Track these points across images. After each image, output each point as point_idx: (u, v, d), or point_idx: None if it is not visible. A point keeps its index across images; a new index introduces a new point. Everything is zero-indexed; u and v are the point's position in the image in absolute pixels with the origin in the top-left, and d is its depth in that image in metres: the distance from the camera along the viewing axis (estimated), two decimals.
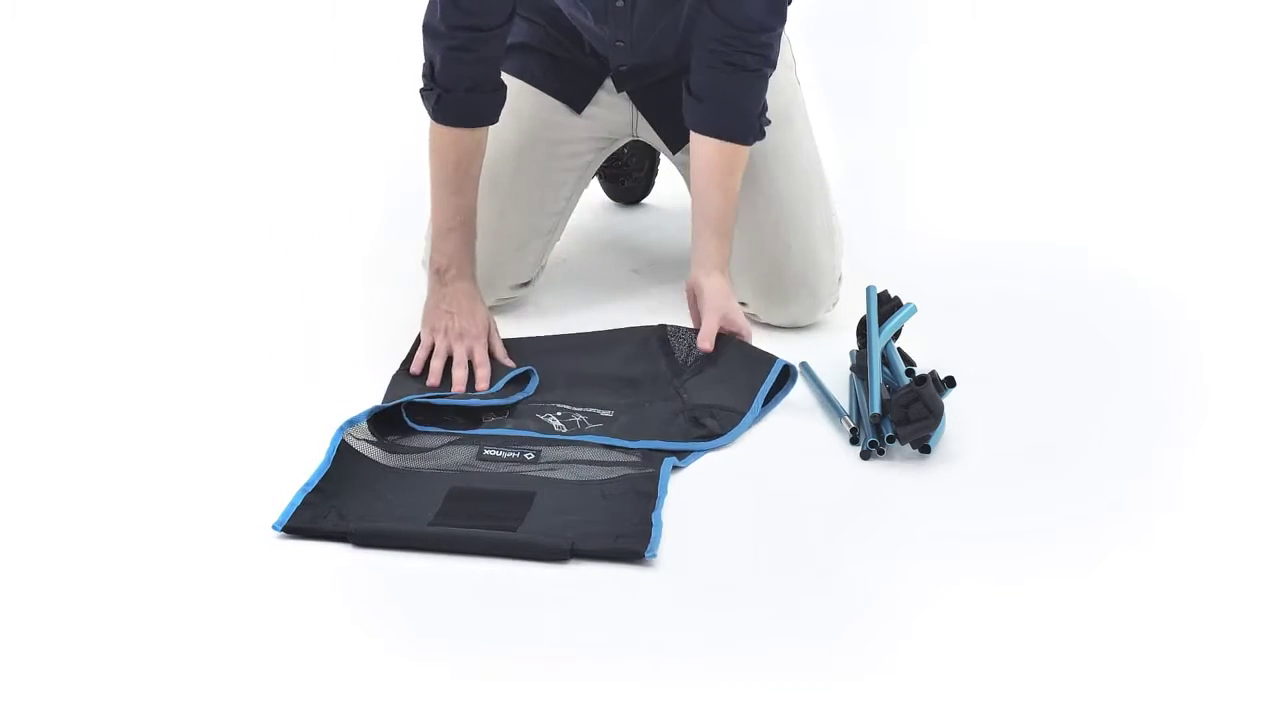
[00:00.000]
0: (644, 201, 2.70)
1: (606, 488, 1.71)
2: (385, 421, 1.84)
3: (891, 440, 1.79)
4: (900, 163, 2.96)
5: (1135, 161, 2.99)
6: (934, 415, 1.76)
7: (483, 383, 1.95)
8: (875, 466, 1.79)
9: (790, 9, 2.05)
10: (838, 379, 1.98)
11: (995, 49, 3.73)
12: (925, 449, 1.78)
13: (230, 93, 3.36)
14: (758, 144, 2.08)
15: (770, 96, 2.05)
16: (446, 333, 2.00)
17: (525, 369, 1.99)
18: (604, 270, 2.40)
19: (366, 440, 1.79)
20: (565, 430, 1.85)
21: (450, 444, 1.81)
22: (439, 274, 2.04)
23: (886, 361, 1.93)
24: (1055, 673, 1.42)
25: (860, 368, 1.94)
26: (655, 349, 2.04)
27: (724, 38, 1.95)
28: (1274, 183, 2.88)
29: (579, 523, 1.63)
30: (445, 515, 1.65)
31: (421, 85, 2.01)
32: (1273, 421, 1.94)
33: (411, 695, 1.38)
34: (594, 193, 2.64)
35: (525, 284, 2.24)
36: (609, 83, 2.20)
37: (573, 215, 2.31)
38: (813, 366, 2.01)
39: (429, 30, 1.98)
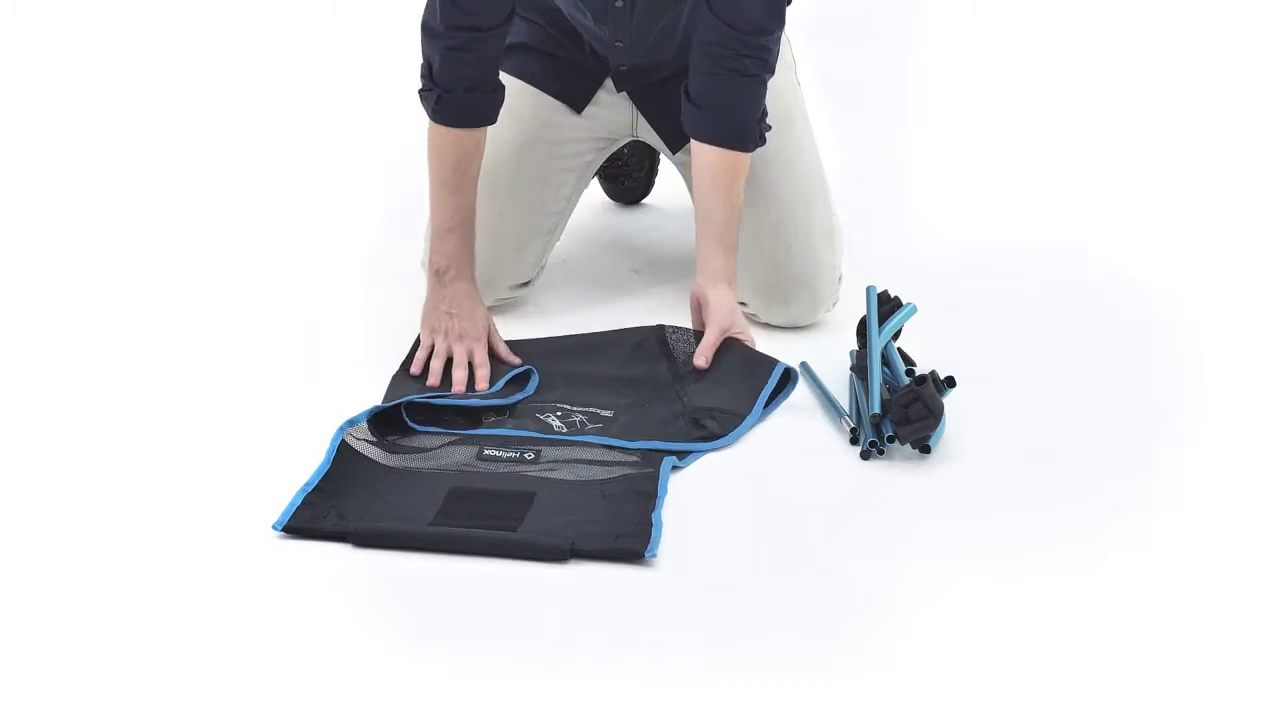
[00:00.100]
0: (644, 201, 2.70)
1: (606, 488, 1.71)
2: (385, 421, 1.84)
3: (891, 440, 1.79)
4: (900, 163, 2.96)
5: (1135, 161, 2.99)
6: (934, 415, 1.76)
7: (482, 383, 1.95)
8: (875, 466, 1.79)
9: (790, 10, 2.05)
10: (838, 379, 1.98)
11: (995, 49, 3.73)
12: (925, 449, 1.78)
13: (230, 93, 3.36)
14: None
15: (771, 98, 2.05)
16: (446, 334, 2.00)
17: (525, 369, 1.99)
18: (604, 270, 2.40)
19: (366, 440, 1.79)
20: (565, 430, 1.85)
21: (450, 444, 1.81)
22: (438, 275, 2.04)
23: (886, 361, 1.93)
24: (1055, 673, 1.42)
25: (860, 368, 1.94)
26: (655, 350, 2.04)
27: (722, 40, 1.95)
28: (1274, 183, 2.88)
29: (579, 523, 1.63)
30: (445, 515, 1.65)
31: (420, 86, 2.01)
32: (1273, 421, 1.94)
33: (411, 695, 1.38)
34: (594, 193, 2.64)
35: (525, 284, 2.24)
36: (609, 83, 2.20)
37: (573, 215, 2.31)
38: (813, 366, 2.01)
39: (428, 30, 1.98)
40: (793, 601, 1.53)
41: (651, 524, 1.62)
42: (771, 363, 1.95)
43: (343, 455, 1.75)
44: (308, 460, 1.73)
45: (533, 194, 2.21)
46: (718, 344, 1.98)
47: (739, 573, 1.58)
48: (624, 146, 2.41)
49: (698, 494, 1.72)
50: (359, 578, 1.57)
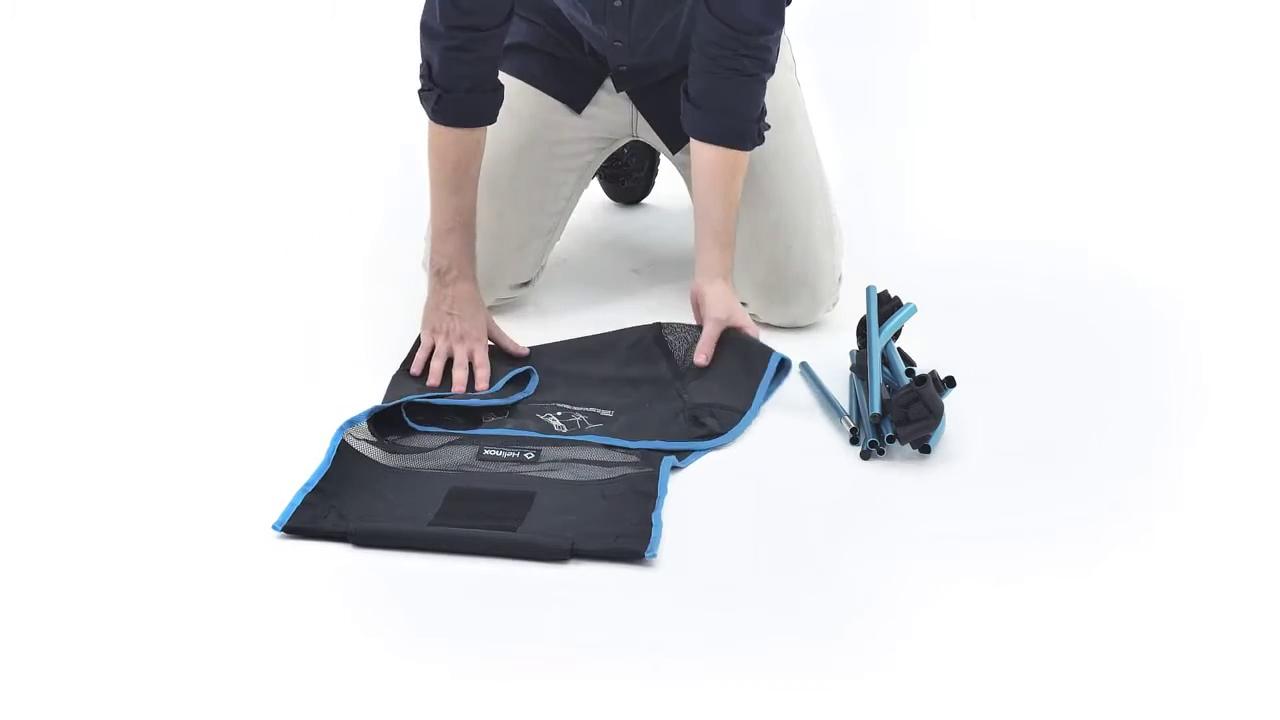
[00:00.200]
0: (644, 201, 2.70)
1: (606, 488, 1.71)
2: (385, 421, 1.84)
3: (891, 440, 1.79)
4: (900, 163, 2.96)
5: (1135, 161, 2.99)
6: (934, 415, 1.76)
7: (482, 384, 1.95)
8: (875, 466, 1.79)
9: (790, 10, 2.05)
10: (838, 379, 1.98)
11: (995, 49, 3.73)
12: (925, 449, 1.78)
13: (230, 93, 3.36)
14: (759, 146, 2.09)
15: (770, 97, 2.05)
16: (448, 334, 2.00)
17: (525, 369, 1.99)
18: (604, 270, 2.40)
19: (366, 440, 1.79)
20: (565, 430, 1.86)
21: (450, 444, 1.81)
22: (439, 275, 2.04)
23: (886, 361, 1.93)
24: (1055, 673, 1.42)
25: (860, 368, 1.94)
26: (653, 349, 2.04)
27: (720, 40, 1.95)
28: (1274, 183, 2.88)
29: (579, 523, 1.63)
30: (445, 515, 1.65)
31: (420, 86, 2.01)
32: (1273, 421, 1.94)
33: (411, 695, 1.38)
34: (594, 193, 2.64)
35: (525, 284, 2.24)
36: (609, 83, 2.20)
37: (573, 215, 2.31)
38: (813, 366, 2.01)
39: (427, 30, 1.98)
40: (793, 601, 1.53)
41: (651, 524, 1.62)
42: (767, 353, 1.95)
43: (343, 455, 1.75)
44: (308, 460, 1.73)
45: (533, 194, 2.21)
46: (716, 338, 1.98)
47: (739, 573, 1.58)
48: (624, 146, 2.41)
49: (698, 494, 1.72)
50: (359, 578, 1.57)
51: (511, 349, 2.04)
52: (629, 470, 1.75)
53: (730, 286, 2.04)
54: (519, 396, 1.94)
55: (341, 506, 1.65)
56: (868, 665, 1.44)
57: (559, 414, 1.90)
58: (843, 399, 1.93)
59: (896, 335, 1.99)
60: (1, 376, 2.01)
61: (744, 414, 1.87)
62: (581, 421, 1.88)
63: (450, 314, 2.02)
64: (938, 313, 2.11)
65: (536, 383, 1.97)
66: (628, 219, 2.65)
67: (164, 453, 1.80)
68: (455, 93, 1.99)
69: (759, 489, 1.75)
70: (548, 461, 1.77)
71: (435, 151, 2.03)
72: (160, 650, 1.44)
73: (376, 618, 1.52)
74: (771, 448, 1.85)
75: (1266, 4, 3.82)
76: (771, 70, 2.00)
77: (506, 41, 2.05)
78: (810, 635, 1.48)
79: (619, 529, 1.62)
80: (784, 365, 1.96)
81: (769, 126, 2.03)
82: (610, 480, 1.73)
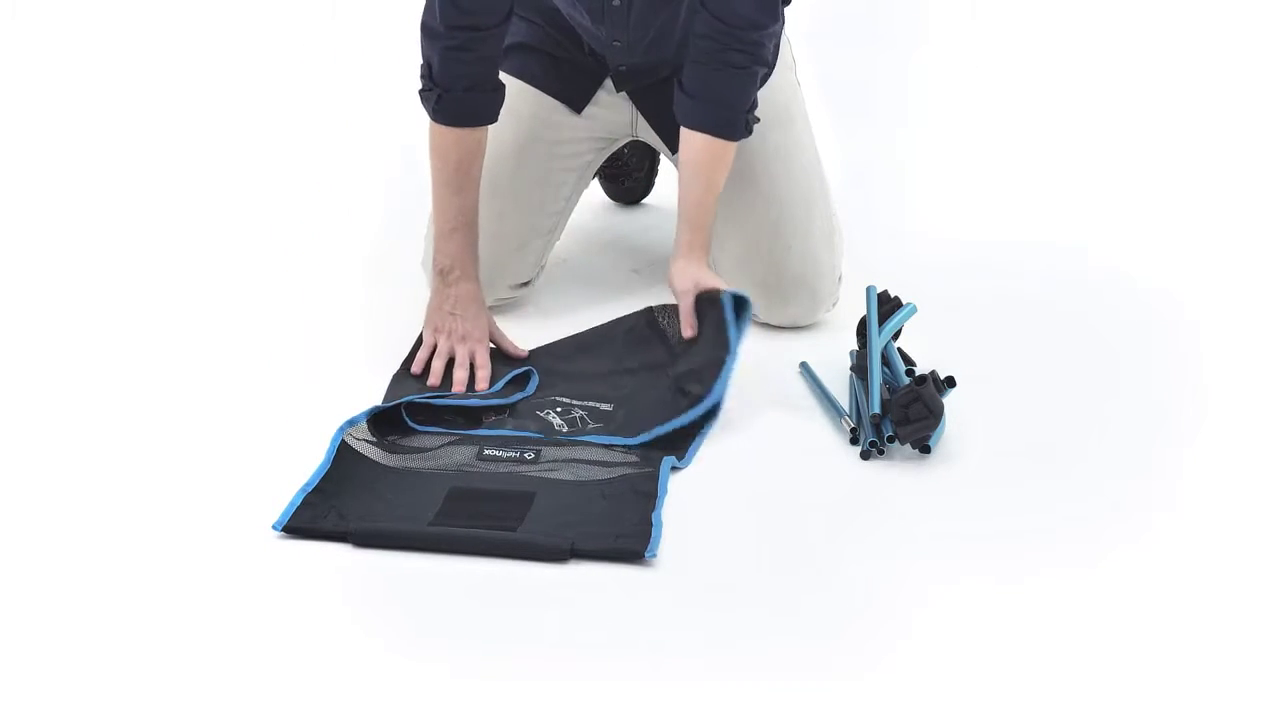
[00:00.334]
0: (644, 201, 2.70)
1: (606, 488, 1.71)
2: (385, 421, 1.84)
3: (891, 440, 1.79)
4: (900, 163, 2.96)
5: (1135, 161, 2.98)
6: (934, 415, 1.76)
7: (483, 384, 1.95)
8: (875, 466, 1.79)
9: (790, 10, 2.05)
10: (838, 379, 1.98)
11: (995, 49, 3.72)
12: (925, 449, 1.78)
13: (230, 93, 3.36)
14: (758, 145, 2.08)
15: (770, 96, 2.05)
16: (450, 334, 2.00)
17: (525, 369, 1.99)
18: (604, 270, 2.40)
19: (366, 440, 1.79)
20: (565, 427, 1.86)
21: (450, 444, 1.81)
22: (442, 275, 2.04)
23: (886, 361, 1.93)
24: (1055, 673, 1.42)
25: (860, 368, 1.94)
26: (648, 333, 2.04)
27: (713, 34, 1.95)
28: (1274, 183, 2.88)
29: (579, 523, 1.63)
30: (445, 515, 1.65)
31: (420, 86, 2.01)
32: (1273, 421, 1.94)
33: (411, 695, 1.38)
34: (594, 193, 2.64)
35: (525, 284, 2.24)
36: (609, 83, 2.20)
37: (573, 215, 2.31)
38: (813, 366, 2.01)
39: (427, 30, 1.98)
40: (793, 601, 1.53)
41: (651, 524, 1.63)
42: (727, 297, 1.92)
43: (343, 455, 1.75)
44: (308, 460, 1.73)
45: (533, 194, 2.21)
46: (692, 309, 1.96)
47: (739, 573, 1.58)
48: (624, 146, 2.41)
49: (698, 494, 1.72)
50: (359, 578, 1.57)
51: (512, 351, 2.04)
52: (629, 470, 1.75)
53: (696, 258, 2.01)
54: (519, 396, 1.94)
55: (341, 506, 1.65)
56: (868, 665, 1.44)
57: (559, 410, 1.90)
58: (843, 399, 1.93)
59: (896, 335, 1.99)
60: (3, 377, 2.01)
61: (724, 364, 1.85)
62: (581, 418, 1.88)
63: (453, 314, 2.02)
64: (938, 313, 2.11)
65: (536, 383, 1.97)
66: (628, 219, 2.65)
67: (164, 453, 1.80)
68: (455, 92, 1.99)
69: (759, 489, 1.75)
70: (548, 462, 1.77)
71: (436, 151, 2.03)
72: (161, 650, 1.44)
73: (376, 618, 1.52)
74: (771, 448, 1.85)
75: (1266, 4, 3.82)
76: (765, 64, 1.99)
77: (506, 41, 2.05)
78: (810, 635, 1.48)
79: (619, 529, 1.62)
80: (741, 302, 1.91)
81: (759, 120, 2.03)
82: (610, 480, 1.73)
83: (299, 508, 1.64)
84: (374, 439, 1.80)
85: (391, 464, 1.76)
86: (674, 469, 1.76)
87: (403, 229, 2.39)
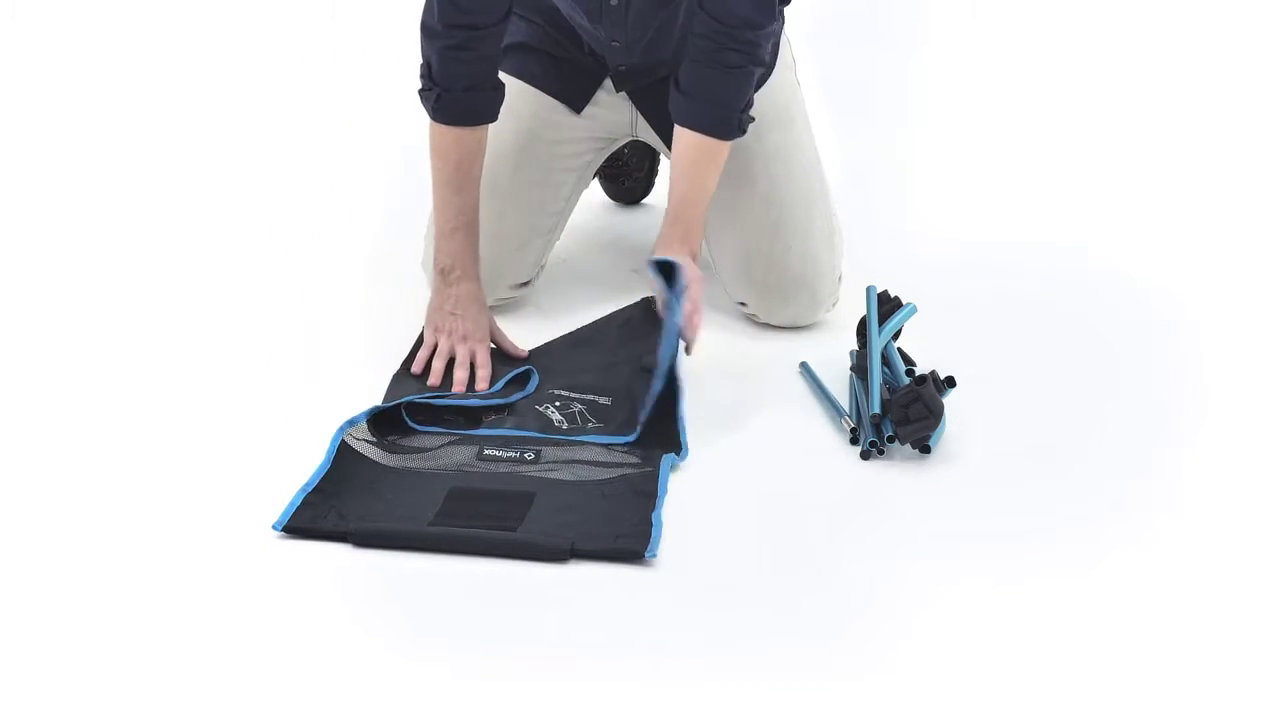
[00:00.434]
0: (644, 201, 2.70)
1: (606, 488, 1.71)
2: (385, 421, 1.84)
3: (891, 440, 1.79)
4: (900, 163, 2.96)
5: (1135, 161, 2.99)
6: (934, 415, 1.76)
7: (483, 384, 1.95)
8: (875, 466, 1.79)
9: (790, 10, 2.05)
10: (838, 379, 1.98)
11: (995, 49, 3.73)
12: (925, 449, 1.78)
13: (231, 93, 3.36)
14: (758, 145, 2.08)
15: (770, 96, 2.05)
16: (450, 334, 2.00)
17: (525, 369, 1.99)
18: (604, 270, 2.40)
19: (366, 440, 1.79)
20: (565, 423, 1.86)
21: (450, 444, 1.81)
22: (443, 274, 2.04)
23: (886, 361, 1.94)
24: (1055, 673, 1.42)
25: (860, 368, 1.94)
26: (644, 325, 2.04)
27: (708, 33, 1.94)
28: (1274, 183, 2.88)
29: (579, 523, 1.63)
30: (445, 515, 1.65)
31: (420, 86, 2.01)
32: (1273, 421, 1.94)
33: (411, 695, 1.38)
34: (594, 193, 2.64)
35: (525, 284, 2.24)
36: (608, 83, 2.20)
37: (573, 215, 2.31)
38: (813, 366, 2.01)
39: (426, 30, 1.98)
40: (793, 601, 1.53)
41: (651, 524, 1.63)
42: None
43: (342, 455, 1.75)
44: (308, 460, 1.73)
45: (533, 194, 2.21)
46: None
47: (739, 573, 1.58)
48: (624, 146, 2.41)
49: (698, 494, 1.72)
50: (359, 578, 1.57)
51: (512, 351, 2.04)
52: (629, 470, 1.75)
53: (676, 253, 1.98)
54: (519, 396, 1.94)
55: (341, 506, 1.65)
56: (868, 665, 1.44)
57: (558, 404, 1.90)
58: (843, 399, 1.93)
59: (896, 335, 1.99)
60: (3, 378, 2.01)
61: (660, 332, 1.85)
62: (581, 413, 1.88)
63: (454, 314, 2.02)
64: (938, 313, 2.11)
65: (536, 383, 1.97)
66: (628, 219, 2.65)
67: (165, 453, 1.80)
68: (454, 91, 1.99)
69: (759, 489, 1.75)
70: (548, 462, 1.77)
71: (437, 151, 2.03)
72: (161, 650, 1.44)
73: (376, 618, 1.52)
74: (771, 448, 1.85)
75: (1266, 4, 3.82)
76: (761, 63, 1.98)
77: (506, 41, 2.05)
78: (810, 635, 1.48)
79: (619, 529, 1.62)
80: (667, 266, 1.90)
81: (754, 119, 2.02)
82: (610, 480, 1.73)
83: (299, 508, 1.64)
84: (374, 439, 1.80)
85: (391, 464, 1.76)
86: (674, 468, 1.76)
87: (403, 229, 2.39)
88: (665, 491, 1.71)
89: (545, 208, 2.23)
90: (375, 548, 1.60)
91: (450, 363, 1.99)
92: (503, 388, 1.95)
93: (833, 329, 2.15)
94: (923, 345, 2.02)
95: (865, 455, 1.80)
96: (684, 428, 1.83)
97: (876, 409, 1.80)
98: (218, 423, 1.87)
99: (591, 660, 1.44)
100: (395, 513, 1.66)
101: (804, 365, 2.03)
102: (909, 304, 1.99)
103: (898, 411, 1.78)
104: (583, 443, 1.82)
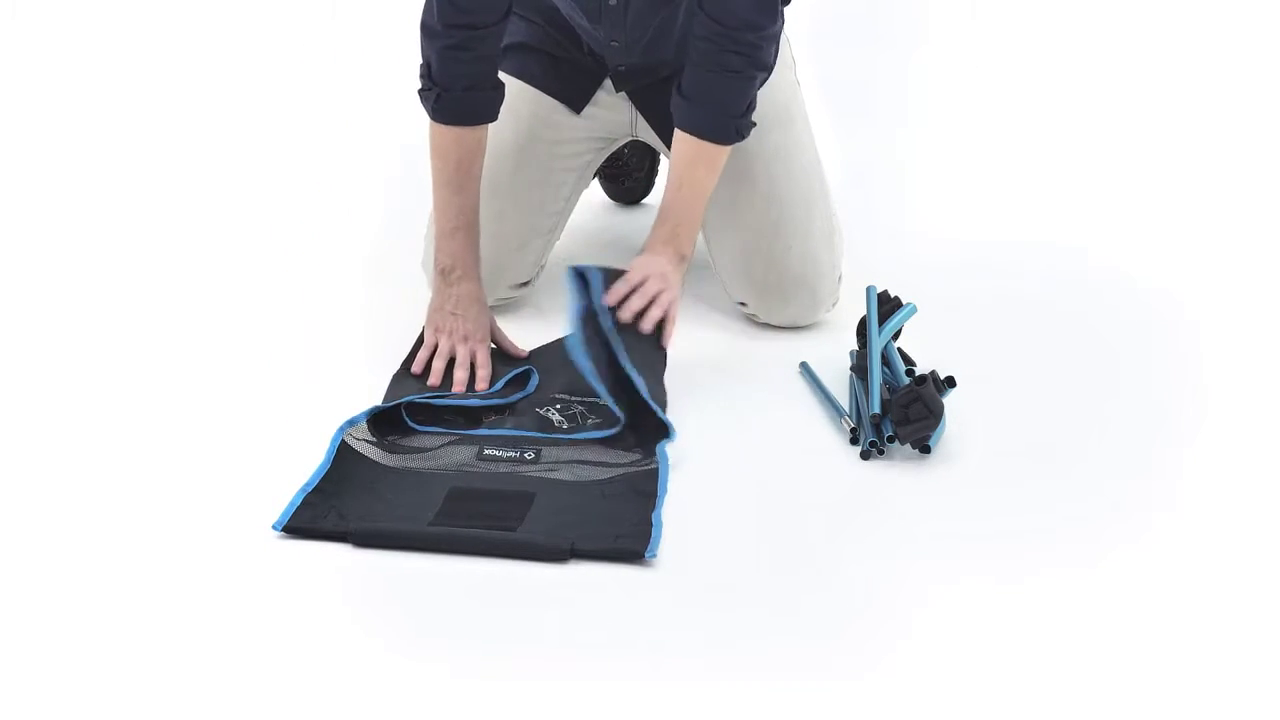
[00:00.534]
0: (644, 201, 2.70)
1: (606, 488, 1.71)
2: (385, 421, 1.84)
3: (891, 440, 1.79)
4: (900, 163, 2.96)
5: (1135, 161, 2.99)
6: (934, 415, 1.76)
7: (483, 384, 1.95)
8: (875, 466, 1.79)
9: (790, 10, 2.04)
10: (838, 379, 1.98)
11: (995, 49, 3.73)
12: (925, 449, 1.78)
13: (231, 93, 3.36)
14: (758, 145, 2.08)
15: (770, 96, 2.05)
16: (451, 334, 2.00)
17: (525, 369, 1.99)
18: None
19: (366, 440, 1.79)
20: (566, 424, 1.86)
21: (450, 444, 1.81)
22: (444, 274, 2.04)
23: (886, 361, 1.94)
24: (1055, 673, 1.42)
25: (860, 368, 1.94)
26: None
27: (710, 35, 1.94)
28: (1274, 183, 2.88)
29: (578, 523, 1.63)
30: (445, 515, 1.65)
31: (420, 86, 2.01)
32: (1273, 421, 1.94)
33: (411, 695, 1.38)
34: (594, 193, 2.64)
35: (525, 284, 2.24)
36: (608, 83, 2.20)
37: (573, 215, 2.31)
38: (813, 366, 2.01)
39: (426, 30, 1.98)
40: (793, 601, 1.53)
41: (651, 524, 1.63)
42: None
43: (342, 455, 1.75)
44: (308, 460, 1.73)
45: (532, 194, 2.21)
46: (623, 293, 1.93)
47: (739, 573, 1.58)
48: (624, 146, 2.41)
49: (698, 494, 1.72)
50: (359, 578, 1.57)
51: (512, 351, 2.04)
52: (629, 470, 1.75)
53: (662, 254, 1.98)
54: (519, 396, 1.94)
55: (341, 506, 1.65)
56: (868, 665, 1.44)
57: (559, 406, 1.90)
58: (843, 399, 1.93)
59: (896, 335, 1.99)
60: (3, 378, 2.01)
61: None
62: (581, 413, 1.88)
63: (454, 314, 2.02)
64: (938, 313, 2.11)
65: (536, 383, 1.97)
66: (628, 219, 2.65)
67: (165, 453, 1.80)
68: (454, 91, 1.99)
69: (759, 489, 1.75)
70: (548, 462, 1.77)
71: (437, 151, 2.03)
72: (161, 650, 1.43)
73: (376, 618, 1.52)
74: (771, 448, 1.85)
75: (1266, 4, 3.82)
76: (763, 68, 1.98)
77: (506, 41, 2.05)
78: (810, 635, 1.48)
79: (619, 529, 1.62)
80: (578, 275, 1.91)
81: (754, 124, 2.02)
82: (610, 480, 1.73)
83: (299, 508, 1.64)
84: (374, 439, 1.80)
85: (391, 464, 1.76)
86: (672, 463, 1.76)
87: (403, 229, 2.39)
88: (665, 490, 1.71)
89: (545, 208, 2.23)
90: (375, 548, 1.60)
91: (450, 363, 1.99)
92: (503, 388, 1.95)
93: (833, 329, 2.15)
94: (923, 345, 2.02)
95: (865, 455, 1.80)
96: (657, 408, 1.82)
97: (876, 409, 1.80)
98: (218, 423, 1.87)
99: (591, 660, 1.44)
100: (395, 513, 1.66)
101: (804, 365, 2.03)
102: (909, 304, 1.99)
103: (898, 411, 1.78)
104: (583, 441, 1.81)
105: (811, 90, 2.31)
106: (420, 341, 2.03)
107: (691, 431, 1.85)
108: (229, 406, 1.92)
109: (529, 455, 1.78)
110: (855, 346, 2.02)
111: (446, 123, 2.01)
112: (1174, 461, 1.84)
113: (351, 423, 1.80)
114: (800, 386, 1.99)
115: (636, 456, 1.78)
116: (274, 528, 1.61)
